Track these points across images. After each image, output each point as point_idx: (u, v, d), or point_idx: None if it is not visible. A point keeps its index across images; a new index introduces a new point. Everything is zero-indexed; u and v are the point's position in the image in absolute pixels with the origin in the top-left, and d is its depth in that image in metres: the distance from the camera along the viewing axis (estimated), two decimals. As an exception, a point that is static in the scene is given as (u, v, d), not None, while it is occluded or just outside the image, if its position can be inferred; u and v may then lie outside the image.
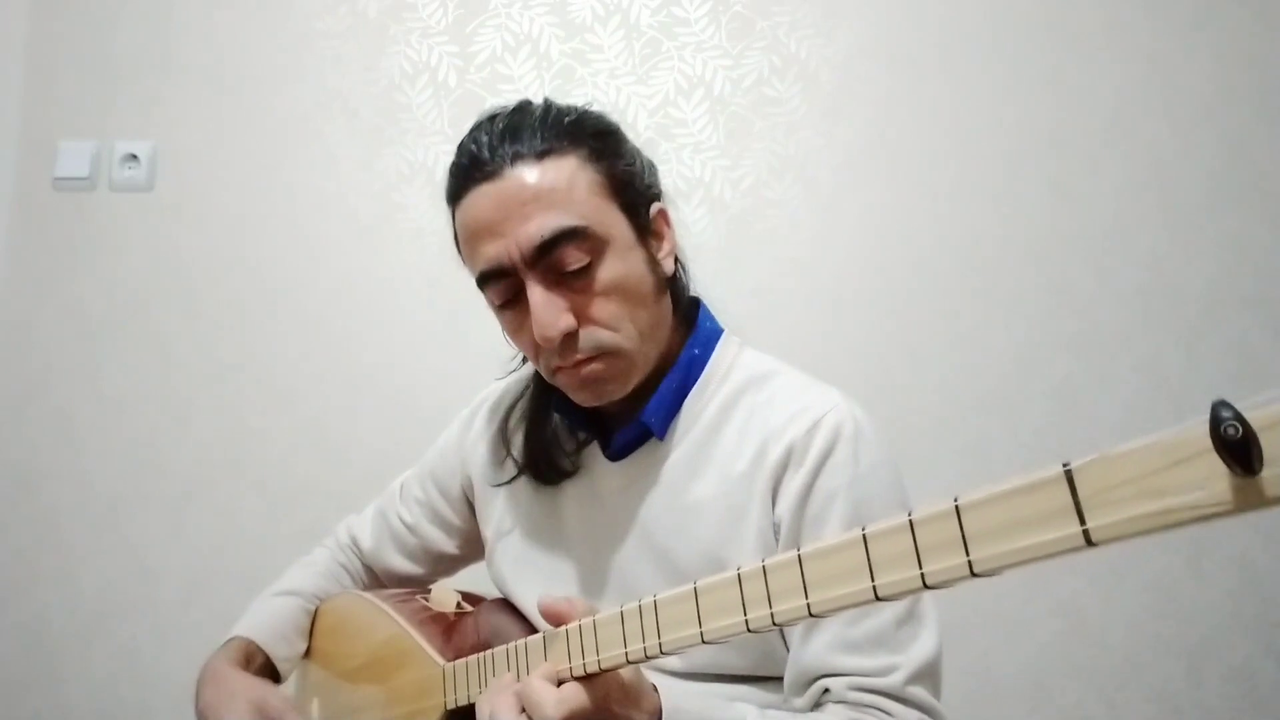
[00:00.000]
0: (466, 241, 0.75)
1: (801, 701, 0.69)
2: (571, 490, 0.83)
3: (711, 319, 0.83)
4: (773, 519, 0.72)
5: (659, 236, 0.78)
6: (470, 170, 0.73)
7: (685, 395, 0.78)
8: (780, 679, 0.72)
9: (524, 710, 0.56)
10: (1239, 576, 1.50)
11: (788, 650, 0.72)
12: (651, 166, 0.80)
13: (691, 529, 0.74)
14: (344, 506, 1.10)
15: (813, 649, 0.69)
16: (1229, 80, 1.61)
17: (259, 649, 0.87)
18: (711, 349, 0.80)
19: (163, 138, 1.71)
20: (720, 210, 1.61)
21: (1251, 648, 1.49)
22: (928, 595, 0.71)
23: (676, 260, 0.80)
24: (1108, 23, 1.63)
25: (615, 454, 0.79)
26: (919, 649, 0.68)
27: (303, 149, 1.69)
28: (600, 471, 0.81)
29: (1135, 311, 1.56)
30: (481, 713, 0.58)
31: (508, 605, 0.85)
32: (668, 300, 0.79)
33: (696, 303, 0.84)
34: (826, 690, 0.68)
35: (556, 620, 0.59)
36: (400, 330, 1.63)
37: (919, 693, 0.67)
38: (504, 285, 0.73)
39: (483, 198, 0.72)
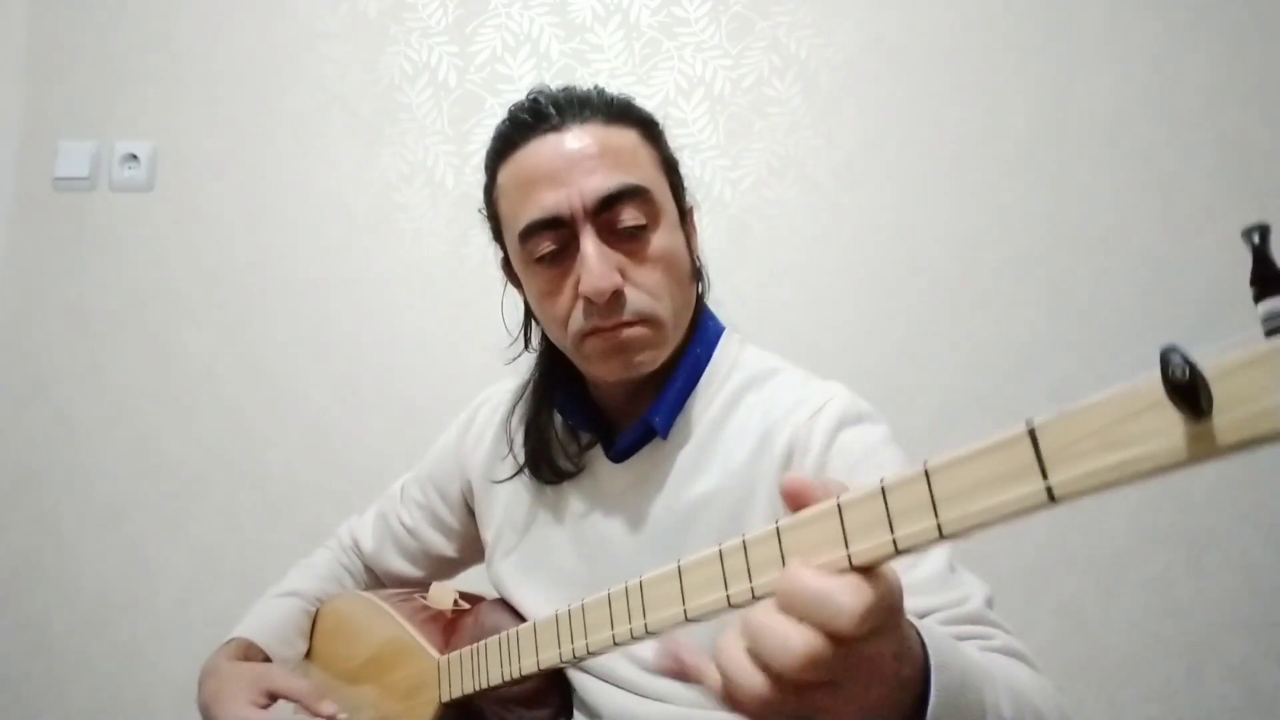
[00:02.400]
0: (519, 189, 0.74)
1: None
2: (574, 492, 0.82)
3: (713, 318, 0.84)
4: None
5: (687, 233, 0.80)
6: (534, 123, 0.74)
7: (688, 394, 0.78)
8: None
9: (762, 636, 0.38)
10: (1239, 576, 1.50)
11: None
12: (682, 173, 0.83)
13: (696, 526, 0.74)
14: (343, 506, 1.11)
15: None
16: (1229, 80, 1.61)
17: (258, 649, 0.88)
18: (713, 348, 0.81)
19: (163, 138, 1.71)
20: (720, 210, 1.61)
21: (1251, 648, 1.49)
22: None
23: (699, 260, 0.82)
24: (1108, 23, 1.63)
25: (618, 455, 0.79)
26: (977, 584, 0.67)
27: (303, 149, 1.69)
28: (603, 473, 0.81)
29: (1135, 311, 1.56)
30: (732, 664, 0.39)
31: (507, 605, 0.85)
32: (695, 292, 0.80)
33: (701, 303, 0.85)
34: None
35: (800, 500, 0.42)
36: (400, 330, 1.63)
37: (997, 616, 0.66)
38: (553, 236, 0.72)
39: (547, 147, 0.73)
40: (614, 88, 0.79)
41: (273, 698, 0.78)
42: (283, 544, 1.55)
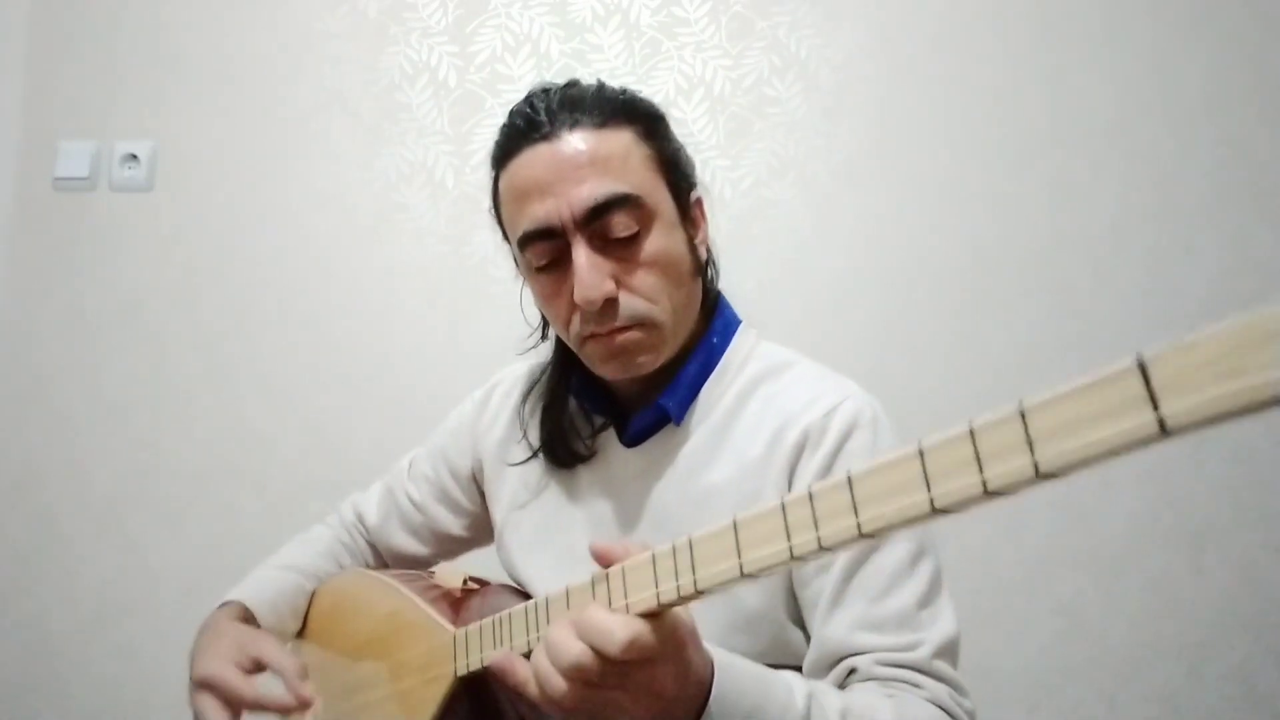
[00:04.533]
0: (514, 200, 0.75)
1: (826, 682, 0.69)
2: (586, 475, 0.83)
3: (730, 309, 0.85)
4: None
5: (695, 224, 0.80)
6: (526, 131, 0.74)
7: (703, 382, 0.79)
8: (792, 668, 0.72)
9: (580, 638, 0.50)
10: (1239, 576, 1.50)
11: (806, 637, 0.73)
12: (690, 160, 0.82)
13: (706, 515, 0.74)
14: (344, 506, 1.10)
15: (835, 629, 0.69)
16: (1229, 80, 1.61)
17: (254, 617, 0.86)
18: (729, 338, 0.81)
19: (163, 138, 1.71)
20: (720, 210, 1.61)
21: (1251, 648, 1.49)
22: (945, 583, 0.72)
23: (708, 250, 0.82)
24: (1108, 23, 1.63)
25: (631, 440, 0.80)
26: (941, 627, 0.69)
27: (303, 149, 1.69)
28: (616, 457, 0.81)
29: (1135, 311, 1.56)
30: (536, 658, 0.52)
31: (516, 591, 0.85)
32: (700, 285, 0.80)
33: (717, 294, 0.85)
34: (852, 671, 0.67)
35: (607, 562, 0.53)
36: (400, 330, 1.63)
37: (944, 667, 0.67)
38: (548, 246, 0.73)
39: (537, 157, 0.73)
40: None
41: (258, 666, 0.76)
42: (283, 544, 1.54)
